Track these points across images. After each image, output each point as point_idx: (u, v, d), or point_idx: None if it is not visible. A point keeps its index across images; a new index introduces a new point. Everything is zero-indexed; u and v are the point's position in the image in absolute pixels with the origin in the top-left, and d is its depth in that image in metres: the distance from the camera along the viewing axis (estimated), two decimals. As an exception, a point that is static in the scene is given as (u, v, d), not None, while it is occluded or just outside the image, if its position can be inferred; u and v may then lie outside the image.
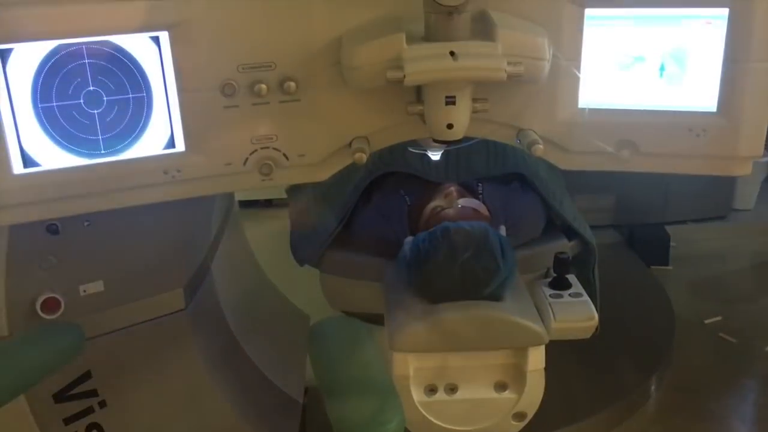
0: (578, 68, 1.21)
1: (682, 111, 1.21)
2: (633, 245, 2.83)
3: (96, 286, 1.38)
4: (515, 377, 1.41)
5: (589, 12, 1.19)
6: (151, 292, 1.46)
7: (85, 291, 1.37)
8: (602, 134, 1.24)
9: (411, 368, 1.39)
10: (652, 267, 2.74)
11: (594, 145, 1.25)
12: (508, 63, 1.08)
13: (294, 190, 1.95)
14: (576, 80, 1.22)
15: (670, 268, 2.76)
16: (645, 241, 2.81)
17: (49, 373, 1.12)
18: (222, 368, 1.62)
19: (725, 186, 2.93)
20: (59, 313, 1.34)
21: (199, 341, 1.55)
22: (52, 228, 1.31)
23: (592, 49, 1.21)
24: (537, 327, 1.36)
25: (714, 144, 1.21)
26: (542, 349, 1.38)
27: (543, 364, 1.39)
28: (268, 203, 3.17)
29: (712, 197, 2.97)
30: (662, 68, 1.21)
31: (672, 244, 2.80)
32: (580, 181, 2.47)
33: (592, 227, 1.80)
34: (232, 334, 1.70)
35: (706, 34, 1.17)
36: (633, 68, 1.21)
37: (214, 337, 1.64)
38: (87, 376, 1.42)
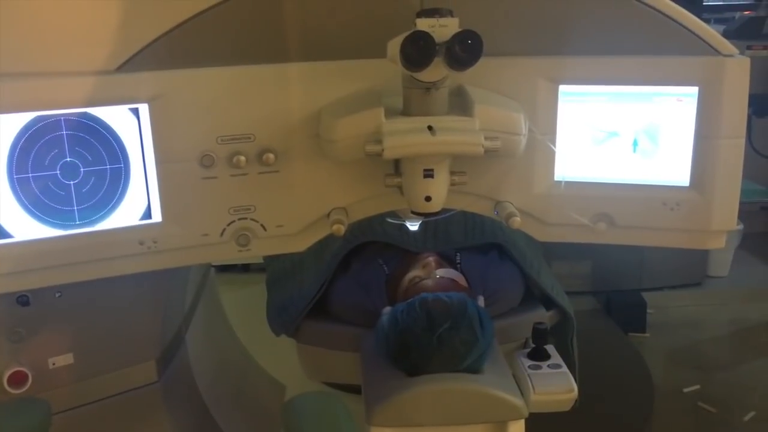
0: (554, 142, 1.23)
1: (656, 185, 1.23)
2: (610, 312, 2.83)
3: (66, 359, 1.35)
4: (495, 452, 1.38)
5: (563, 88, 1.21)
6: (122, 365, 1.42)
7: (54, 364, 1.34)
8: (578, 207, 1.26)
9: (389, 443, 1.36)
10: (630, 334, 2.74)
11: (570, 218, 1.26)
12: (486, 138, 1.10)
13: (271, 257, 1.93)
14: (552, 154, 1.24)
15: (647, 335, 2.76)
16: (622, 308, 2.81)
17: (14, 451, 1.08)
18: (194, 442, 1.58)
19: (700, 253, 2.96)
20: (26, 387, 1.30)
21: (171, 415, 1.51)
22: (22, 299, 1.28)
23: (567, 124, 1.23)
24: (516, 400, 1.34)
25: (687, 218, 1.23)
26: (522, 423, 1.36)
27: (523, 438, 1.37)
28: (245, 268, 3.14)
29: (687, 264, 3.00)
30: (635, 143, 1.23)
31: (649, 310, 2.81)
32: (556, 248, 2.48)
33: (570, 293, 1.80)
34: (205, 406, 1.66)
35: (678, 111, 1.20)
36: (607, 143, 1.24)
37: (187, 410, 1.60)
38: (54, 452, 1.37)
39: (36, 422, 1.12)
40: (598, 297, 2.92)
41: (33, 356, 1.32)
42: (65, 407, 1.35)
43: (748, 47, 2.45)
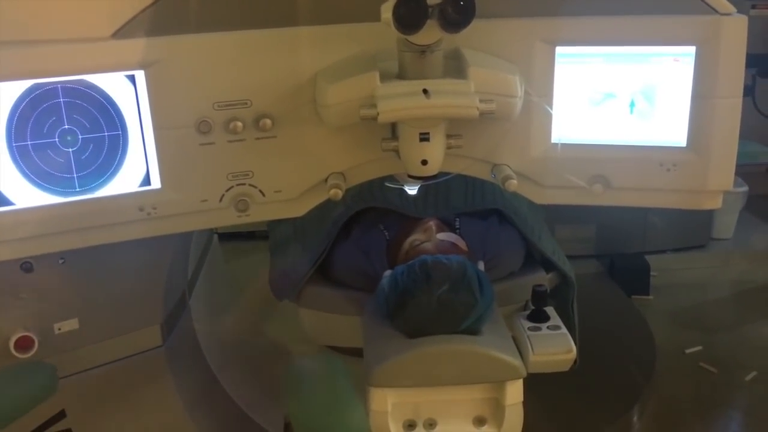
0: (550, 104, 1.23)
1: (653, 146, 1.23)
2: (614, 275, 2.85)
3: (71, 324, 1.37)
4: (494, 411, 1.40)
5: (559, 50, 1.21)
6: (127, 329, 1.45)
7: (59, 329, 1.36)
8: (575, 169, 1.26)
9: (389, 403, 1.37)
10: (633, 297, 2.75)
11: (567, 180, 1.26)
12: (480, 100, 1.10)
13: (274, 223, 1.95)
14: (548, 116, 1.24)
15: (650, 297, 2.77)
16: (625, 271, 2.82)
17: (22, 413, 1.11)
18: (200, 405, 1.61)
19: (704, 215, 2.96)
20: (33, 352, 1.32)
21: (176, 378, 1.54)
22: (26, 266, 1.30)
23: (564, 86, 1.23)
24: (514, 361, 1.35)
25: (684, 178, 1.23)
26: (520, 382, 1.37)
27: (521, 398, 1.38)
28: (250, 235, 3.15)
29: (691, 227, 3.00)
30: (632, 104, 1.23)
31: (653, 273, 2.82)
32: (560, 212, 2.48)
33: (574, 257, 1.81)
34: (210, 370, 1.68)
35: (675, 71, 1.19)
36: (604, 104, 1.24)
37: (192, 374, 1.62)
38: (61, 415, 1.40)
39: (42, 385, 1.14)
40: (602, 260, 2.93)
41: (38, 322, 1.34)
42: (71, 371, 1.38)
43: (753, 6, 2.41)
